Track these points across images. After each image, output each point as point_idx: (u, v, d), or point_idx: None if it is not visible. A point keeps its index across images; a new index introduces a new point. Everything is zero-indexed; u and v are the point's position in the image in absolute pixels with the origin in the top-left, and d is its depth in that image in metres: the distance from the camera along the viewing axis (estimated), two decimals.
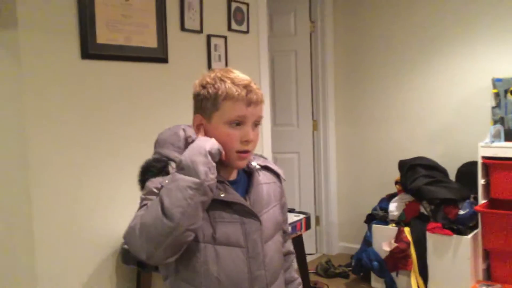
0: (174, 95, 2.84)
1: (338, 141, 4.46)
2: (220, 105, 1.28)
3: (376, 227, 3.71)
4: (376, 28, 4.21)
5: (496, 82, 3.46)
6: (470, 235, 3.36)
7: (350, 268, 3.94)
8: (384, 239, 3.60)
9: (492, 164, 3.35)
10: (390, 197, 3.83)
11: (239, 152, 1.30)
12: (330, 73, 4.40)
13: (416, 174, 3.65)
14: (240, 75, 1.32)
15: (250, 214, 1.32)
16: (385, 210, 3.74)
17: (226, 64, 3.18)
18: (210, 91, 1.29)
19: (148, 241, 1.15)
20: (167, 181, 1.22)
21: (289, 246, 1.59)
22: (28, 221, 2.20)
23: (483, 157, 3.35)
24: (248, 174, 1.40)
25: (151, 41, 2.67)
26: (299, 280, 1.61)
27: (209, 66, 3.06)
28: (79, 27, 2.34)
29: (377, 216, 3.77)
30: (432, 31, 3.92)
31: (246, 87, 1.29)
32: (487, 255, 3.49)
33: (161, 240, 1.15)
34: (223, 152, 1.27)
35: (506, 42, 3.61)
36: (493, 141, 3.35)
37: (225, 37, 3.18)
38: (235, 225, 1.30)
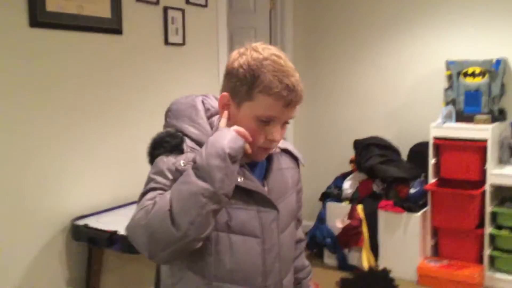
0: (129, 68, 2.77)
1: (295, 120, 4.47)
2: (254, 96, 1.14)
3: (330, 204, 3.77)
4: (334, 8, 4.21)
5: (449, 64, 3.54)
6: (419, 213, 3.46)
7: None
8: (338, 217, 3.66)
9: (442, 144, 3.44)
10: (344, 176, 3.90)
11: (262, 147, 1.19)
12: (289, 52, 4.38)
13: (370, 153, 3.72)
14: (287, 66, 1.17)
15: (268, 202, 1.22)
16: (340, 188, 3.80)
17: (184, 39, 3.11)
18: (248, 76, 1.14)
19: (152, 242, 1.06)
20: (181, 162, 1.12)
21: (300, 233, 1.50)
22: None
23: (435, 138, 3.44)
24: (267, 156, 1.28)
25: (104, 11, 2.58)
26: (310, 267, 1.54)
27: (166, 39, 2.99)
28: None
29: (332, 194, 3.83)
30: (388, 13, 3.96)
31: (291, 85, 1.14)
32: (435, 232, 3.61)
33: (166, 246, 1.06)
34: (249, 150, 1.16)
35: (460, 24, 3.69)
36: (444, 122, 3.44)
37: (183, 10, 3.10)
38: (251, 213, 1.20)
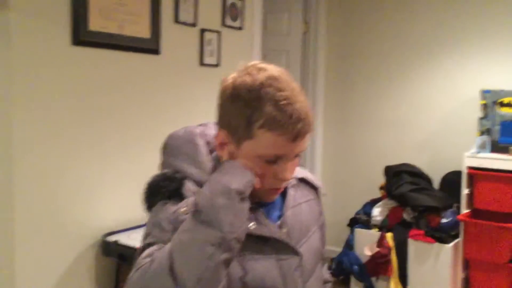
0: (164, 87, 2.81)
1: (326, 144, 4.46)
2: (254, 133, 0.95)
3: (358, 231, 3.71)
4: (369, 33, 4.21)
5: (484, 93, 3.49)
6: (451, 244, 3.38)
7: (331, 271, 3.94)
8: (366, 244, 3.60)
9: (476, 174, 3.37)
10: (374, 202, 3.84)
11: (271, 188, 1.03)
12: (321, 75, 4.40)
13: (401, 180, 3.67)
14: (290, 89, 0.97)
15: (288, 248, 1.05)
16: (369, 214, 3.75)
17: (218, 61, 3.15)
18: (244, 109, 0.95)
19: None
20: (182, 209, 0.95)
21: (325, 273, 1.33)
22: (9, 210, 2.15)
23: (468, 167, 3.38)
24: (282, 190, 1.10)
25: (144, 31, 2.63)
26: None
27: (201, 61, 3.03)
28: (71, 12, 2.29)
29: (360, 220, 3.78)
30: (424, 40, 3.94)
31: (296, 113, 0.94)
32: (466, 264, 3.51)
33: None
34: (258, 184, 0.99)
35: (495, 53, 3.64)
36: (479, 152, 3.37)
37: (219, 32, 3.15)
38: (270, 262, 1.01)
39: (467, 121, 3.70)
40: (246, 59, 3.51)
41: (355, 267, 3.62)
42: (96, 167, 2.48)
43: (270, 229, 1.03)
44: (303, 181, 1.20)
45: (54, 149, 2.30)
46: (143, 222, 2.65)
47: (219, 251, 0.88)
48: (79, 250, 2.44)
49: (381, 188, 3.87)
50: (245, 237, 0.95)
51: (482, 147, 3.40)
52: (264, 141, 0.95)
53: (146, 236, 1.00)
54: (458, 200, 3.47)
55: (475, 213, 3.41)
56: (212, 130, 1.11)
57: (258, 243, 1.01)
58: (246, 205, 0.94)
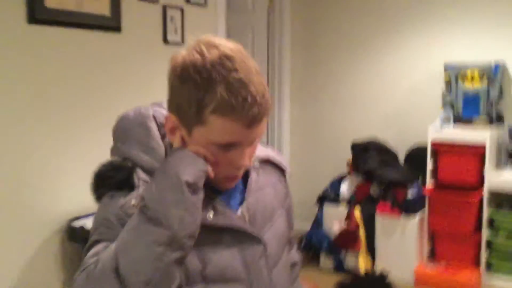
0: (127, 66, 2.72)
1: (292, 121, 4.45)
2: (206, 119, 0.87)
3: (327, 207, 3.74)
4: (333, 9, 4.19)
5: (447, 67, 3.53)
6: (417, 217, 3.45)
7: (300, 247, 3.97)
8: (335, 220, 3.64)
9: (440, 148, 3.43)
10: (341, 179, 3.87)
11: (227, 176, 0.95)
12: (287, 52, 4.36)
13: (368, 156, 3.70)
14: (244, 68, 0.87)
15: (251, 237, 0.98)
16: (337, 191, 3.78)
17: (183, 38, 3.07)
18: (193, 92, 0.86)
19: None
20: (132, 201, 0.87)
21: (294, 255, 1.24)
22: None
23: (432, 141, 3.43)
24: (243, 173, 1.02)
25: (104, 8, 2.53)
26: None
27: (165, 38, 2.95)
28: None
29: (329, 197, 3.81)
30: (387, 14, 3.95)
31: (250, 95, 0.85)
32: (432, 236, 3.60)
33: None
34: (211, 173, 0.91)
35: (459, 27, 3.68)
36: (442, 126, 3.43)
37: (182, 9, 3.06)
38: (231, 253, 0.95)
39: (431, 95, 3.75)
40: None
41: (324, 243, 3.66)
42: (58, 151, 2.39)
43: (229, 218, 0.96)
44: (267, 161, 1.11)
45: (13, 134, 2.20)
46: None
47: (169, 250, 0.81)
48: (44, 236, 2.37)
49: (348, 164, 3.90)
50: (203, 228, 0.89)
51: (445, 121, 3.46)
52: (216, 128, 0.87)
53: (93, 231, 0.91)
54: (423, 174, 3.53)
55: (440, 185, 3.48)
56: (165, 111, 1.00)
57: (217, 234, 0.94)
58: (199, 196, 0.87)
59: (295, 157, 4.47)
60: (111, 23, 2.59)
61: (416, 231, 3.43)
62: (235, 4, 4.25)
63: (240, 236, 0.96)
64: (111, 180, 0.92)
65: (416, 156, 3.71)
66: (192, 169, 0.86)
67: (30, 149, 2.27)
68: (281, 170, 1.15)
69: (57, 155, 2.38)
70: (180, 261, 0.84)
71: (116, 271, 0.80)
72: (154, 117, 0.99)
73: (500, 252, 3.34)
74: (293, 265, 1.23)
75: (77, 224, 2.38)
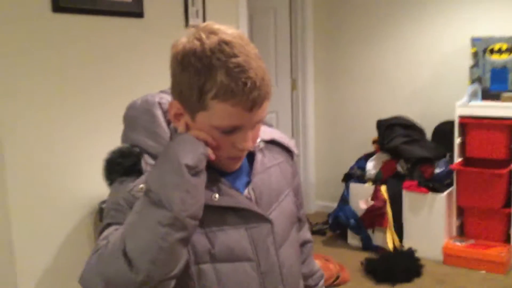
0: (149, 51, 2.77)
1: (317, 101, 4.44)
2: (208, 104, 0.89)
3: (353, 185, 3.75)
4: None
5: (474, 41, 3.46)
6: (444, 193, 3.42)
7: (327, 226, 4.00)
8: (361, 197, 3.64)
9: (468, 123, 3.38)
10: (367, 156, 3.87)
11: (230, 157, 0.98)
12: (310, 33, 4.34)
13: (394, 133, 3.68)
14: (243, 53, 0.89)
15: (257, 216, 1.00)
16: (363, 169, 3.78)
17: (204, 21, 3.09)
18: (194, 78, 0.88)
19: None
20: (140, 186, 0.90)
21: (306, 234, 1.27)
22: (1, 185, 2.14)
23: (460, 116, 3.38)
24: (249, 154, 1.04)
25: None
26: (320, 272, 1.31)
27: (187, 22, 2.98)
28: None
29: (355, 175, 3.81)
30: None
31: (249, 80, 0.87)
32: (460, 212, 3.57)
33: None
34: (212, 156, 0.93)
35: (484, 1, 3.59)
36: (470, 101, 3.37)
37: None
38: (239, 231, 0.98)
39: (458, 70, 3.68)
40: (232, 19, 3.45)
41: (352, 220, 3.68)
42: (86, 136, 2.46)
43: (235, 198, 0.98)
44: (273, 142, 1.12)
45: (42, 121, 2.28)
46: None
47: (173, 231, 0.84)
48: (77, 219, 2.46)
49: (374, 142, 3.88)
50: (210, 209, 0.93)
51: (473, 96, 3.40)
52: (218, 112, 0.89)
53: (105, 216, 0.96)
54: (450, 150, 3.49)
55: (468, 161, 3.44)
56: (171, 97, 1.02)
57: (224, 214, 0.97)
58: (201, 179, 0.89)
59: (321, 136, 4.48)
60: (133, 9, 2.63)
61: (444, 208, 3.41)
62: None
63: (246, 216, 0.99)
64: (120, 167, 0.96)
65: (444, 132, 3.67)
66: (192, 152, 0.88)
67: (57, 134, 2.35)
68: (287, 151, 1.16)
69: (85, 139, 2.46)
70: (185, 241, 0.87)
71: (124, 253, 0.83)
72: (160, 104, 1.02)
73: None
74: (304, 243, 1.26)
75: None
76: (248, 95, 0.87)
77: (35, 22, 2.22)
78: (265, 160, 1.08)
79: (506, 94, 3.30)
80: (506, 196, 3.31)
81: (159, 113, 1.01)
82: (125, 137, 1.02)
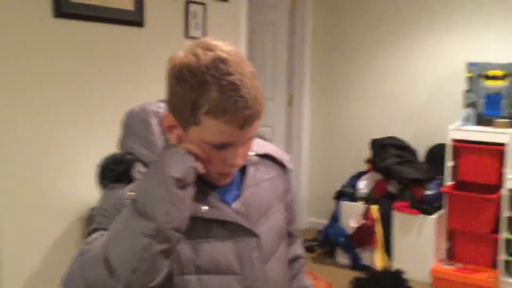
0: (149, 60, 2.78)
1: (312, 117, 4.47)
2: (200, 120, 0.90)
3: (344, 203, 3.75)
4: (355, 7, 4.18)
5: (470, 66, 3.50)
6: (435, 215, 3.43)
7: (317, 243, 4.00)
8: (352, 216, 3.65)
9: (460, 147, 3.41)
10: (360, 175, 3.88)
11: (220, 173, 0.98)
12: (308, 49, 4.37)
13: (387, 153, 3.70)
14: (238, 71, 0.89)
15: (244, 230, 1.00)
16: (355, 187, 3.79)
17: (204, 34, 3.11)
18: (188, 94, 0.89)
19: None
20: (129, 193, 0.90)
21: (297, 249, 1.27)
22: None
23: (453, 140, 3.41)
24: (242, 167, 1.03)
25: (127, 3, 2.59)
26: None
27: (187, 33, 3.00)
28: None
29: (347, 193, 3.82)
30: (410, 13, 3.93)
31: (242, 100, 0.88)
32: (450, 235, 3.58)
33: None
34: (202, 170, 0.93)
35: (482, 27, 3.65)
36: (463, 125, 3.40)
37: (204, 4, 3.11)
38: (225, 245, 0.98)
39: (452, 94, 3.72)
40: (232, 32, 3.50)
41: (341, 238, 3.68)
42: (79, 141, 2.46)
43: (222, 211, 0.99)
44: (267, 157, 1.12)
45: (35, 125, 2.28)
46: None
47: (155, 242, 0.84)
48: (66, 224, 2.44)
49: (367, 161, 3.90)
50: (197, 221, 0.94)
51: (467, 120, 3.43)
52: (210, 128, 0.90)
53: (93, 221, 0.97)
54: (442, 172, 3.51)
55: (459, 185, 3.46)
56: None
57: (211, 226, 0.97)
58: (188, 192, 0.89)
59: (315, 153, 4.49)
60: (134, 18, 2.65)
61: (433, 230, 3.42)
62: (257, 1, 4.28)
63: (233, 229, 0.99)
64: (112, 173, 0.99)
65: (436, 155, 3.69)
66: (180, 165, 0.88)
67: (52, 138, 2.35)
68: (281, 165, 1.16)
69: (78, 144, 2.45)
70: (167, 253, 0.87)
71: (106, 259, 0.84)
72: (157, 113, 1.03)
73: None
74: (295, 258, 1.25)
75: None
76: (239, 113, 0.88)
77: (36, 27, 2.23)
78: (257, 174, 1.08)
79: (499, 120, 3.33)
80: (495, 221, 3.32)
81: (154, 122, 1.02)
82: (121, 143, 1.05)
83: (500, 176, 3.29)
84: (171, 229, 0.85)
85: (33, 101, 2.25)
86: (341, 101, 4.32)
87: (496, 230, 3.32)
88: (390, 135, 3.89)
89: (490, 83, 3.43)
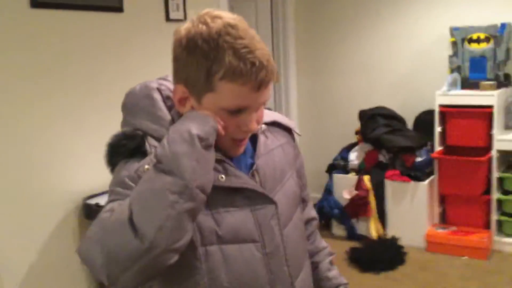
0: (130, 45, 2.75)
1: (299, 92, 4.46)
2: (215, 85, 0.91)
3: (337, 176, 3.78)
4: None
5: (453, 30, 3.51)
6: (426, 181, 3.48)
7: None
8: (345, 188, 3.69)
9: (448, 111, 3.43)
10: (350, 147, 3.90)
11: (235, 140, 0.99)
12: (291, 24, 4.34)
13: (375, 123, 3.72)
14: (249, 35, 0.92)
15: (262, 197, 1.01)
16: (346, 159, 3.82)
17: (185, 16, 3.08)
18: (201, 60, 0.90)
19: (110, 261, 0.83)
20: (146, 166, 0.90)
21: (310, 212, 1.29)
22: None
23: (440, 105, 3.43)
24: (252, 136, 1.04)
25: None
26: (328, 249, 1.31)
27: (167, 16, 2.96)
28: None
29: (338, 165, 3.84)
30: None
31: (257, 60, 0.90)
32: (442, 199, 3.63)
33: (129, 263, 0.82)
34: (221, 131, 0.94)
35: None
36: (450, 90, 3.42)
37: None
38: (244, 213, 0.99)
39: (438, 60, 3.73)
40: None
41: (336, 210, 3.72)
42: (68, 132, 2.44)
43: (241, 179, 1.00)
44: (274, 124, 1.14)
45: (23, 117, 2.25)
46: None
47: (181, 199, 0.83)
48: (61, 215, 2.44)
49: (357, 132, 3.92)
50: (216, 190, 0.93)
51: (453, 85, 3.45)
52: (226, 93, 0.91)
53: (109, 195, 0.95)
54: (431, 139, 3.54)
55: (448, 149, 3.50)
56: (171, 84, 1.04)
57: (230, 195, 0.98)
58: (211, 154, 0.90)
59: (304, 128, 4.50)
60: (113, 3, 2.61)
61: (426, 196, 3.46)
62: None
63: (251, 197, 1.00)
64: (124, 148, 0.96)
65: (424, 121, 3.72)
66: (203, 125, 0.89)
67: (41, 130, 2.33)
68: (289, 132, 1.18)
69: (67, 135, 2.44)
70: (193, 213, 0.86)
71: (130, 219, 0.82)
72: (159, 90, 1.03)
73: (510, 212, 3.36)
74: (308, 221, 1.27)
75: (93, 201, 2.45)
76: (256, 74, 0.90)
77: (13, 18, 2.19)
78: (268, 142, 1.09)
79: (485, 83, 3.35)
80: (486, 183, 3.37)
81: (158, 97, 1.01)
82: (125, 123, 1.02)
83: (489, 138, 3.32)
84: (197, 187, 0.85)
85: (16, 93, 2.22)
86: (327, 74, 4.32)
87: (487, 191, 3.37)
88: (378, 105, 3.90)
89: (473, 47, 3.44)
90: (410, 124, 3.86)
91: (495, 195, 3.34)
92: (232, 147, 1.00)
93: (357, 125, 3.89)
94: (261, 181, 1.04)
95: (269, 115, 1.13)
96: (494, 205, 3.36)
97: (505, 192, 3.37)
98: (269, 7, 4.29)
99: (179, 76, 0.96)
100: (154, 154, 0.90)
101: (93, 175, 2.57)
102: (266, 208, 1.01)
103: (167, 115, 1.00)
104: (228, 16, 0.93)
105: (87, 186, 2.54)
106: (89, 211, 2.45)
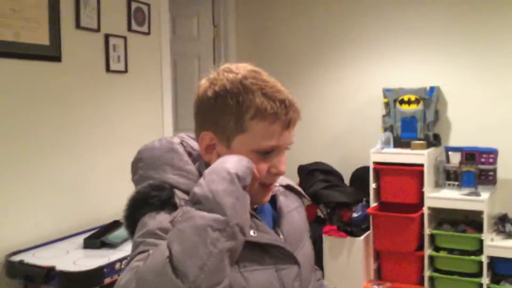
0: (69, 95, 2.70)
1: None
2: (247, 126, 0.93)
3: None
4: (277, 37, 4.30)
5: (386, 92, 3.69)
6: (362, 237, 3.53)
7: None
8: None
9: (382, 169, 3.55)
10: None
11: (263, 185, 0.98)
12: None
13: (314, 178, 3.78)
14: (272, 80, 0.98)
15: (286, 257, 1.00)
16: None
17: (126, 67, 3.07)
18: (232, 103, 0.93)
19: None
20: (179, 218, 0.85)
21: (320, 277, 1.32)
22: None
23: (374, 162, 3.55)
24: (271, 197, 1.05)
25: (42, 38, 2.51)
26: None
27: (107, 67, 2.94)
28: None
29: None
30: (330, 42, 4.09)
31: (286, 99, 0.95)
32: (378, 255, 3.68)
33: None
34: (256, 173, 0.93)
35: (396, 55, 3.86)
36: (383, 148, 3.55)
37: (125, 38, 3.07)
38: (270, 273, 0.97)
39: (372, 118, 3.89)
40: (155, 64, 3.46)
41: None
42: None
43: (271, 236, 0.99)
44: (288, 188, 1.17)
45: None
46: (51, 239, 2.53)
47: (223, 237, 0.80)
48: None
49: None
50: (245, 245, 0.88)
51: (386, 143, 3.59)
52: (257, 133, 0.93)
53: (136, 246, 0.87)
54: (367, 195, 3.63)
55: (383, 206, 3.59)
56: (190, 141, 1.05)
57: (256, 252, 0.96)
58: (248, 196, 0.87)
59: None
60: (50, 53, 2.57)
61: (361, 251, 3.51)
62: (180, 32, 4.30)
63: (278, 256, 0.99)
64: (156, 199, 0.92)
65: (360, 177, 3.82)
66: (239, 165, 0.88)
67: None
68: (299, 197, 1.20)
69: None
70: (232, 254, 0.82)
71: (170, 259, 0.77)
72: (182, 144, 1.03)
73: (442, 268, 3.45)
74: (318, 279, 1.27)
75: (16, 258, 2.31)
76: (285, 112, 0.95)
77: None
78: (287, 203, 1.12)
79: (415, 142, 3.51)
80: (419, 239, 3.46)
81: (182, 151, 1.01)
82: (144, 178, 0.97)
83: (420, 195, 3.44)
84: (237, 225, 0.82)
85: None
86: None
87: (420, 247, 3.45)
88: (316, 160, 3.98)
89: (405, 108, 3.62)
90: (347, 179, 3.95)
91: (428, 251, 3.43)
92: (260, 193, 0.99)
93: (296, 179, 3.93)
94: (286, 240, 1.04)
95: (282, 180, 1.15)
96: (426, 262, 3.44)
97: (437, 249, 3.47)
98: (212, 61, 4.37)
99: (206, 124, 0.98)
100: (190, 198, 0.86)
101: (21, 229, 2.44)
102: (290, 268, 1.01)
103: (194, 169, 0.99)
104: (249, 65, 1.01)
105: (13, 241, 2.40)
106: (12, 269, 2.30)
